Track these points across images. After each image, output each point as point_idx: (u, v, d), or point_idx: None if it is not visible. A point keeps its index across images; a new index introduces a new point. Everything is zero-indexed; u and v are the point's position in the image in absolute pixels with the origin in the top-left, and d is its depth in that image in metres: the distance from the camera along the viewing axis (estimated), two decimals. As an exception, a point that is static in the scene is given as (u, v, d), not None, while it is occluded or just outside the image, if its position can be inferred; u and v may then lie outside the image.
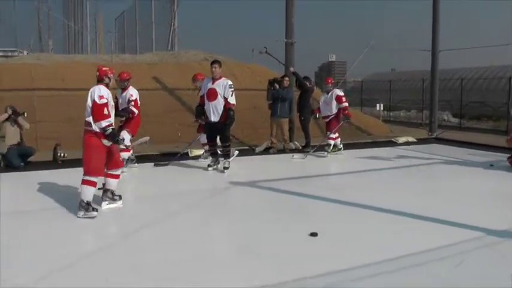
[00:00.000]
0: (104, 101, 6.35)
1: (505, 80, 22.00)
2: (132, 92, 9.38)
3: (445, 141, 14.35)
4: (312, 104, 12.69)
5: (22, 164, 9.67)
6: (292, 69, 12.45)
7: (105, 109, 6.34)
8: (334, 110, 11.55)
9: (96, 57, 20.45)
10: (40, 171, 9.28)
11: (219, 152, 9.51)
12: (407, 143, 13.76)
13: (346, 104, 11.68)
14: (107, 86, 6.58)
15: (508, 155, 9.90)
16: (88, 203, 6.28)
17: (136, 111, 9.30)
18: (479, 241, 5.33)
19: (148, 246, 5.27)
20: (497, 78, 24.28)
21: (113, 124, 6.44)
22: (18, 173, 9.27)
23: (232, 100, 9.00)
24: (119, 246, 5.25)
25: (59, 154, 10.30)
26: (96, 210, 6.34)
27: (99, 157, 6.46)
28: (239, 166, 9.73)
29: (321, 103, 11.86)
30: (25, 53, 33.11)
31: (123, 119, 9.36)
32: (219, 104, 9.02)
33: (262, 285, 4.19)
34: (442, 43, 15.70)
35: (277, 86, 11.67)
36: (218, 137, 9.43)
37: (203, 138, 10.12)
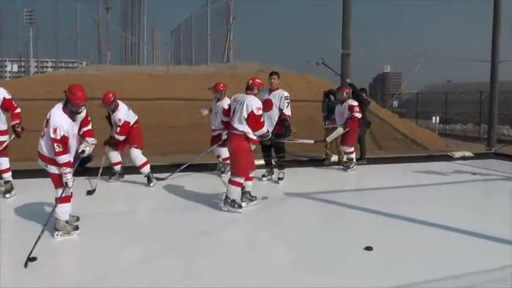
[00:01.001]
0: (261, 112, 7.08)
1: None
2: (121, 116, 8.83)
3: (504, 157, 13.87)
4: (368, 117, 12.55)
5: (81, 169, 9.95)
6: (348, 80, 12.39)
7: (262, 119, 7.11)
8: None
9: (153, 68, 20.97)
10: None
11: (274, 162, 9.58)
12: (463, 158, 13.38)
13: (358, 115, 10.73)
14: (255, 95, 7.27)
15: None
16: (233, 201, 7.07)
17: (121, 138, 8.85)
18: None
19: (203, 254, 5.35)
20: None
21: (269, 130, 7.41)
22: (77, 177, 9.51)
23: (287, 111, 9.05)
24: (170, 254, 5.36)
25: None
26: (241, 207, 7.11)
27: (249, 160, 7.27)
28: (293, 177, 9.75)
29: (335, 114, 11.31)
30: (84, 64, 34.33)
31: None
32: (274, 114, 9.05)
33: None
34: (502, 53, 15.22)
35: (332, 97, 11.63)
36: (273, 148, 9.48)
37: (217, 150, 9.93)
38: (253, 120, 7.00)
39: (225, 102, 9.29)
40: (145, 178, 8.96)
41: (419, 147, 15.36)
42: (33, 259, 4.94)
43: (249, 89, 7.29)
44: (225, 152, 9.49)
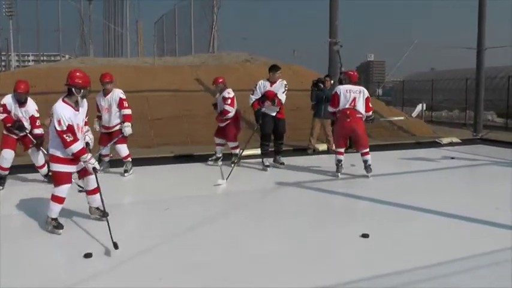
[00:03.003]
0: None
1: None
2: (36, 107, 8.17)
3: (490, 142, 14.02)
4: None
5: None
6: (343, 68, 12.43)
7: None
8: (231, 114, 9.95)
9: (138, 60, 20.81)
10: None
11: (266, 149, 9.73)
12: (451, 144, 13.48)
13: (228, 109, 9.80)
14: None
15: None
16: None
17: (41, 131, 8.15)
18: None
19: (199, 246, 5.31)
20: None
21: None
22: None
23: (281, 96, 9.41)
24: (170, 246, 5.31)
25: (105, 154, 10.42)
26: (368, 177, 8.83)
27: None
28: (285, 167, 9.76)
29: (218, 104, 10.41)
30: (67, 57, 33.94)
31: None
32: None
33: (314, 287, 4.21)
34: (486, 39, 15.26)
35: (321, 85, 11.65)
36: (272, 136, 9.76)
37: (105, 150, 9.06)
38: (369, 104, 8.89)
39: (118, 94, 9.03)
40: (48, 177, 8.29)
41: (406, 134, 15.41)
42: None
43: (356, 83, 9.07)
44: (124, 150, 9.07)
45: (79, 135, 5.70)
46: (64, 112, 5.54)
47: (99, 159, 8.53)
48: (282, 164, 9.84)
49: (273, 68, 9.60)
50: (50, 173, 8.05)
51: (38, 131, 8.12)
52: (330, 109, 9.15)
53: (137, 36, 31.05)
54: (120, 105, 8.96)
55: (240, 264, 4.80)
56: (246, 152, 10.10)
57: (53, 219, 5.72)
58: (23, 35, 41.81)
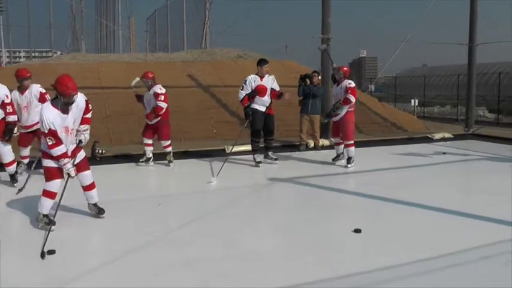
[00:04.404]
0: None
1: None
2: (8, 92, 7.71)
3: (482, 137, 14.05)
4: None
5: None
6: (334, 64, 12.39)
7: None
8: (163, 111, 9.47)
9: (131, 56, 20.74)
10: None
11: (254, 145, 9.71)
12: (443, 139, 13.52)
13: (162, 105, 9.30)
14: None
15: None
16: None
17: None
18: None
19: (194, 243, 5.31)
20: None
21: None
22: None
23: (278, 89, 9.63)
24: (164, 243, 5.29)
25: (97, 151, 10.35)
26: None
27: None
28: (278, 163, 9.75)
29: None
30: (58, 53, 33.80)
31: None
32: (269, 98, 9.53)
33: (308, 282, 4.21)
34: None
35: (308, 81, 11.64)
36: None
37: (25, 151, 8.54)
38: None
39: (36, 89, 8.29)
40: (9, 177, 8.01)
41: (399, 129, 15.45)
42: (52, 252, 4.86)
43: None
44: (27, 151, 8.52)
45: (64, 136, 5.61)
46: (48, 115, 5.48)
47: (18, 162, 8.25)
48: (276, 159, 9.79)
49: (262, 62, 9.62)
50: (17, 174, 8.03)
51: (10, 118, 7.75)
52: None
53: (129, 32, 30.97)
54: (42, 100, 7.93)
55: (234, 260, 4.79)
56: (237, 149, 10.10)
57: (44, 215, 5.69)
58: (14, 30, 41.47)
